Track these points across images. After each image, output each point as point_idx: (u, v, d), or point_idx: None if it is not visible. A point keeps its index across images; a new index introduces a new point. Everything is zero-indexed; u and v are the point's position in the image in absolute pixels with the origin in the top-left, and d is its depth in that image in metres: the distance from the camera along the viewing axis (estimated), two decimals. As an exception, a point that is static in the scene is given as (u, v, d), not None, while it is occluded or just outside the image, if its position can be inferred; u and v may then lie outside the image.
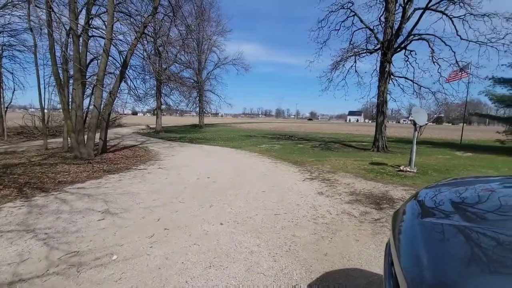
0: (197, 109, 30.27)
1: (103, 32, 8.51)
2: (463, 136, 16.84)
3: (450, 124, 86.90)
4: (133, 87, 11.47)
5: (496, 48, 9.70)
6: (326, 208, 4.06)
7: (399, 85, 11.94)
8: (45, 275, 2.27)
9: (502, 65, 11.00)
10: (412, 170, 6.65)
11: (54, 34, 7.79)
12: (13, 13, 10.07)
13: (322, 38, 13.97)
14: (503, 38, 9.45)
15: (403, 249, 0.91)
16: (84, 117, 9.45)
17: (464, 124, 18.36)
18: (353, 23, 12.08)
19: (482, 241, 0.87)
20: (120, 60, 9.49)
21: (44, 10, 7.12)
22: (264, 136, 19.91)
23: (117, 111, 27.88)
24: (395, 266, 0.91)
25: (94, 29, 9.02)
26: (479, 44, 9.92)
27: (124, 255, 2.61)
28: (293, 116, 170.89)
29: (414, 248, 0.87)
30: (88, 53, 8.98)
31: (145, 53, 10.84)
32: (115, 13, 8.36)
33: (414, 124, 6.85)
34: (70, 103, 8.86)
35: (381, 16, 11.40)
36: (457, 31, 10.27)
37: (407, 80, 11.76)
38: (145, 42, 11.45)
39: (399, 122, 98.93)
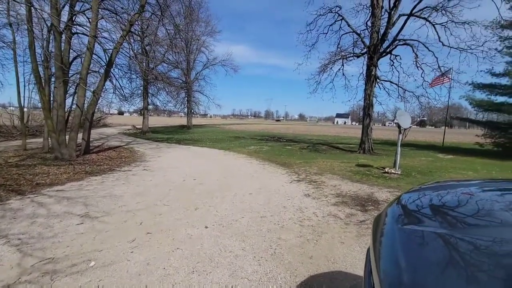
0: (185, 109, 29.92)
1: (87, 29, 8.26)
2: (445, 138, 17.43)
3: (433, 127, 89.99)
4: (119, 86, 11.19)
5: (475, 55, 10.13)
6: (313, 210, 4.07)
7: (384, 88, 12.24)
8: (17, 284, 2.14)
9: (481, 71, 11.50)
10: (396, 172, 6.80)
11: (34, 31, 7.50)
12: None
13: (311, 41, 14.10)
14: (482, 45, 9.89)
15: (383, 253, 0.91)
16: (66, 116, 9.11)
17: (446, 127, 19.02)
18: (340, 27, 12.31)
19: (460, 247, 0.88)
20: (105, 59, 9.24)
21: (24, 6, 6.81)
22: (253, 137, 19.90)
23: (102, 111, 27.16)
24: (373, 269, 0.91)
25: (77, 26, 8.74)
26: (460, 50, 10.33)
27: (102, 261, 2.50)
28: (282, 118, 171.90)
29: (394, 252, 0.88)
30: (71, 50, 8.68)
31: (131, 52, 10.64)
32: (100, 10, 8.12)
33: (399, 127, 7.01)
34: (51, 102, 8.53)
35: (367, 21, 11.66)
36: (439, 37, 10.66)
37: (392, 84, 12.07)
38: (132, 40, 11.23)
39: (384, 125, 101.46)
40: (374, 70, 11.26)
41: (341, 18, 11.99)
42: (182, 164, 7.98)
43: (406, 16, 10.55)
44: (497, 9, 9.84)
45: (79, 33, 9.03)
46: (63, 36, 7.81)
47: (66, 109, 8.92)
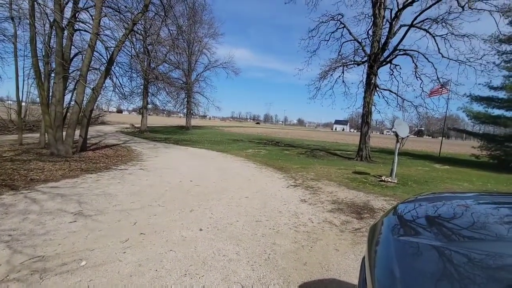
0: (185, 110, 29.89)
1: (90, 26, 8.24)
2: (441, 149, 17.54)
3: (430, 137, 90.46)
4: (119, 84, 11.14)
5: (474, 68, 10.25)
6: (308, 216, 4.05)
7: (383, 97, 12.33)
8: (4, 281, 2.09)
9: (479, 84, 11.66)
10: (393, 181, 6.81)
11: (36, 25, 7.48)
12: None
13: (312, 47, 14.27)
14: (481, 58, 10.01)
15: (378, 262, 0.92)
16: (65, 113, 9.07)
17: (443, 138, 19.14)
18: (342, 34, 12.42)
19: (454, 260, 0.88)
20: (107, 56, 9.22)
21: (27, 0, 6.81)
22: (251, 140, 19.90)
23: (101, 108, 27.03)
24: (367, 278, 0.92)
25: (80, 23, 8.72)
26: (459, 62, 10.45)
27: (94, 261, 2.47)
28: (281, 122, 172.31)
29: (389, 262, 0.88)
30: (72, 47, 8.66)
31: (133, 51, 10.65)
32: (103, 8, 8.13)
33: (397, 135, 7.05)
34: (50, 97, 8.48)
35: (369, 30, 11.79)
36: (439, 49, 10.78)
37: (391, 93, 12.16)
38: (134, 39, 11.27)
39: (382, 133, 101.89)
40: (374, 78, 11.35)
41: (343, 26, 12.11)
42: (179, 165, 7.94)
43: (407, 27, 10.68)
44: (496, 24, 10.01)
45: (81, 30, 9.01)
46: (65, 32, 7.81)
47: (64, 105, 8.88)
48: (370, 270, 0.90)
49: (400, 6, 10.52)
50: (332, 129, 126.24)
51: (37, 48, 7.81)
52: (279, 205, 4.52)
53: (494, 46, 11.54)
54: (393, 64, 11.85)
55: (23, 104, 11.70)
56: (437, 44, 10.71)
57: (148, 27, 13.90)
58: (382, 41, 11.11)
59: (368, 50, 11.64)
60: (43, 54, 8.88)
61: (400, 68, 11.97)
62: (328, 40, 12.74)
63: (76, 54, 9.58)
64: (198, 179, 6.08)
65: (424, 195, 1.64)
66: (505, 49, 12.15)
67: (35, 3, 7.01)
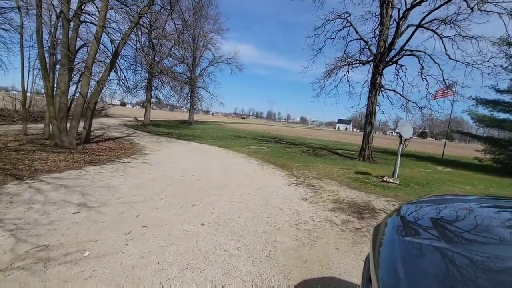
0: (188, 105, 29.90)
1: (96, 18, 8.24)
2: (444, 151, 17.44)
3: (434, 139, 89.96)
4: (123, 77, 11.16)
5: (481, 70, 10.11)
6: (309, 215, 4.07)
7: (388, 97, 12.24)
8: (9, 269, 2.13)
9: (485, 86, 11.50)
10: (395, 182, 6.80)
11: (43, 16, 7.49)
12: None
13: (318, 45, 14.16)
14: (488, 61, 9.88)
15: (382, 263, 0.93)
16: (69, 104, 9.12)
17: (447, 140, 19.02)
18: (348, 33, 12.31)
19: (457, 261, 0.89)
20: (112, 49, 9.23)
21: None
22: (254, 137, 19.90)
23: (105, 101, 27.14)
24: (372, 278, 0.93)
25: (86, 15, 8.73)
26: (466, 64, 10.31)
27: (97, 252, 2.50)
28: (283, 120, 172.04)
29: (393, 262, 0.89)
30: (78, 39, 8.67)
31: (138, 44, 10.60)
32: (110, 0, 8.12)
33: (400, 136, 7.02)
34: (55, 88, 8.52)
35: (375, 29, 11.67)
36: (446, 50, 10.64)
37: (396, 93, 12.07)
38: (139, 33, 11.21)
39: (385, 134, 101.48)
40: (379, 78, 11.26)
41: (349, 24, 11.99)
42: (181, 159, 7.98)
43: (415, 27, 10.54)
44: (505, 27, 9.85)
45: (88, 22, 9.02)
46: (71, 24, 7.82)
47: (69, 97, 8.92)
48: (374, 270, 0.91)
49: (408, 6, 10.37)
50: (335, 128, 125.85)
51: (43, 39, 7.82)
52: (280, 203, 4.54)
53: (502, 49, 11.38)
54: (399, 64, 11.75)
55: (28, 94, 11.77)
56: (444, 45, 10.58)
57: (154, 20, 13.89)
58: (389, 40, 10.99)
59: (374, 49, 11.54)
60: (49, 45, 8.91)
61: (406, 68, 11.87)
62: (334, 39, 12.65)
63: (81, 46, 9.60)
64: (200, 174, 6.11)
65: (427, 197, 1.65)
66: (514, 52, 11.98)
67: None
